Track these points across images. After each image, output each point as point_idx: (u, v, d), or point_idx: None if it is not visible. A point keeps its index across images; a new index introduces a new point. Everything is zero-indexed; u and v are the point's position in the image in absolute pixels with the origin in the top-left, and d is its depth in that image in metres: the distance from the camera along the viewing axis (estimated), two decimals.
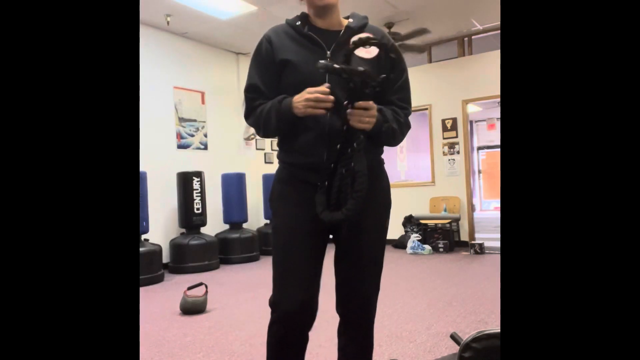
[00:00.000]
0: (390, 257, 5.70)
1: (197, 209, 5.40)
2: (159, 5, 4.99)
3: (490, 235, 7.06)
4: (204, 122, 6.19)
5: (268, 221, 6.45)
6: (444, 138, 6.53)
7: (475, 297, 3.49)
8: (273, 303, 1.39)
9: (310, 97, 1.26)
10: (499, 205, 8.62)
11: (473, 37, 6.48)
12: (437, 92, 6.58)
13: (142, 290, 4.33)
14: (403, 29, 5.89)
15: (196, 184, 5.42)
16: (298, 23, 1.39)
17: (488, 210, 12.52)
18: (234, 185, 5.88)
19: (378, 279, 1.48)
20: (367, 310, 1.47)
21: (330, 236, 1.46)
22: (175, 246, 5.31)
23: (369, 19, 1.47)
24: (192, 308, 3.38)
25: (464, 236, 6.34)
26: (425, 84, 6.66)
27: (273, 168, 7.02)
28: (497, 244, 5.95)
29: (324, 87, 1.26)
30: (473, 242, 5.89)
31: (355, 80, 1.22)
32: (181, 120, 5.90)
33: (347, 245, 1.42)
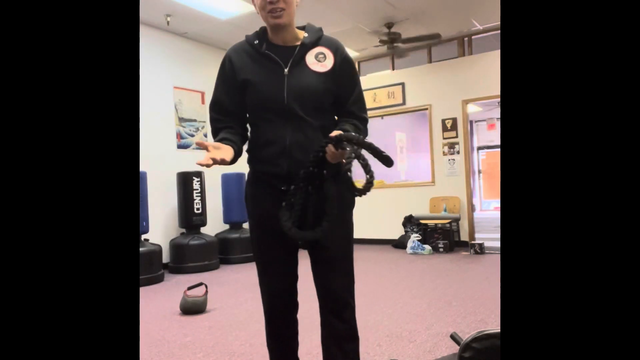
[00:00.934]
0: (390, 257, 5.70)
1: (197, 209, 5.40)
2: (159, 5, 5.00)
3: (490, 235, 7.06)
4: (204, 122, 6.19)
5: None
6: (444, 138, 6.53)
7: (475, 297, 3.49)
8: (260, 291, 1.59)
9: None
10: (499, 205, 8.63)
11: (473, 37, 6.48)
12: (437, 92, 6.58)
13: (142, 290, 4.33)
14: (403, 29, 5.89)
15: (196, 184, 5.42)
16: (256, 42, 1.47)
17: (488, 210, 12.52)
18: (233, 185, 5.87)
19: (350, 272, 1.55)
20: (341, 303, 1.51)
21: None
22: (175, 246, 5.31)
23: (322, 31, 1.53)
24: (192, 308, 3.38)
25: (464, 236, 6.34)
26: (425, 84, 6.66)
27: None
28: (497, 244, 5.95)
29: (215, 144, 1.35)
30: (473, 242, 5.89)
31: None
32: (181, 120, 5.90)
33: (318, 248, 1.51)
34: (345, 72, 1.48)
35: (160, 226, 5.52)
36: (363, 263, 5.24)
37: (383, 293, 3.75)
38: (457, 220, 6.26)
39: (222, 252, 5.66)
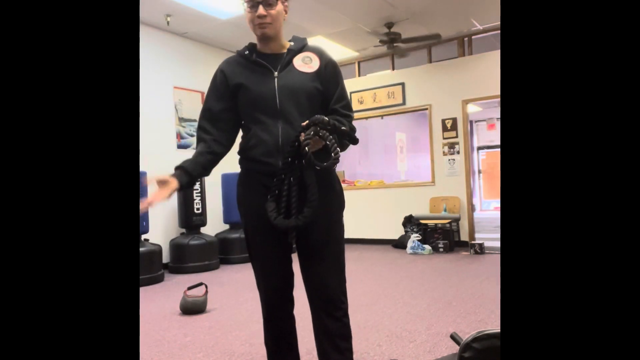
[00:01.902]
0: (390, 257, 5.70)
1: (197, 209, 5.40)
2: (159, 5, 4.99)
3: (490, 235, 7.05)
4: None
5: None
6: (444, 138, 6.53)
7: (475, 297, 3.49)
8: (258, 289, 1.64)
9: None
10: (499, 205, 8.63)
11: (473, 37, 6.47)
12: (437, 92, 6.58)
13: (142, 290, 4.33)
14: (403, 29, 5.89)
15: (196, 184, 5.42)
16: (246, 52, 1.59)
17: (488, 210, 12.52)
18: (234, 185, 5.85)
19: (339, 272, 1.57)
20: (333, 301, 1.53)
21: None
22: (175, 246, 5.31)
23: (307, 40, 1.63)
24: (192, 308, 3.38)
25: (464, 236, 6.34)
26: (425, 84, 6.66)
27: None
28: (497, 244, 5.95)
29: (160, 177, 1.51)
30: (473, 242, 5.88)
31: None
32: (181, 120, 5.90)
33: (304, 245, 1.55)
34: (330, 73, 1.57)
35: (160, 226, 5.52)
36: (363, 263, 5.24)
37: (383, 293, 3.75)
38: (457, 220, 6.26)
39: (222, 252, 5.66)
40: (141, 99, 5.27)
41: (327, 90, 1.57)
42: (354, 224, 6.87)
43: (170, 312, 3.47)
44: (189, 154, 6.72)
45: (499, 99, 5.34)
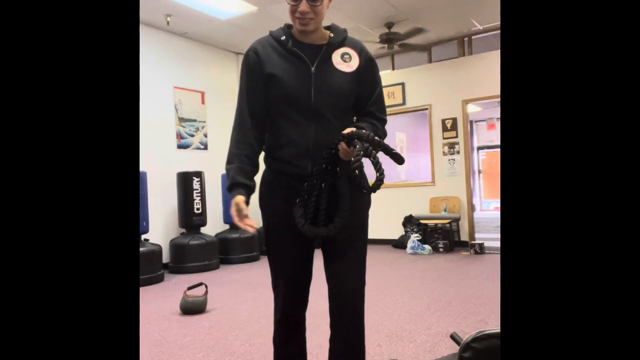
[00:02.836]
0: (390, 257, 5.70)
1: (197, 209, 5.40)
2: (159, 5, 4.99)
3: (490, 235, 7.06)
4: (204, 122, 6.19)
5: None
6: (444, 138, 6.53)
7: (475, 297, 3.49)
8: (274, 292, 1.57)
9: (233, 213, 1.40)
10: (499, 205, 8.63)
11: (473, 37, 6.48)
12: (437, 92, 6.58)
13: (142, 290, 4.33)
14: (403, 29, 5.89)
15: (196, 184, 5.42)
16: (283, 38, 1.45)
17: (488, 210, 12.51)
18: None
19: (362, 273, 1.55)
20: (352, 304, 1.51)
21: None
22: (175, 246, 5.31)
23: (347, 32, 1.53)
24: (192, 308, 3.38)
25: (464, 236, 6.34)
26: (425, 84, 6.66)
27: None
28: (497, 244, 5.95)
29: (241, 206, 1.38)
30: (473, 242, 5.88)
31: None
32: (181, 120, 5.90)
33: (331, 244, 1.51)
34: (369, 73, 1.48)
35: (160, 226, 5.52)
36: None
37: (383, 293, 3.75)
38: (457, 220, 6.26)
39: (222, 252, 5.66)
40: (141, 99, 5.27)
41: (364, 90, 1.48)
42: None
43: (170, 312, 3.47)
44: (188, 154, 6.66)
45: (499, 99, 5.34)
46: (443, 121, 6.53)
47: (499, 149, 9.06)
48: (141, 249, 4.58)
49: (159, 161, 5.53)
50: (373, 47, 6.48)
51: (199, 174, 5.47)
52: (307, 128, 1.41)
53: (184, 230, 5.53)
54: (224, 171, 6.07)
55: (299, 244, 1.49)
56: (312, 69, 1.42)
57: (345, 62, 1.45)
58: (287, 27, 1.49)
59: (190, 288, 3.45)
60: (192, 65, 6.07)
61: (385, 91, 6.96)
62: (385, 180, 7.79)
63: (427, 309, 3.24)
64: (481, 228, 7.93)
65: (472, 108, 9.62)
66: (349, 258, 1.50)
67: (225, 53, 6.57)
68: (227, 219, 5.92)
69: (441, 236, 6.08)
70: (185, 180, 5.40)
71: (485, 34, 6.42)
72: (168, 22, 5.39)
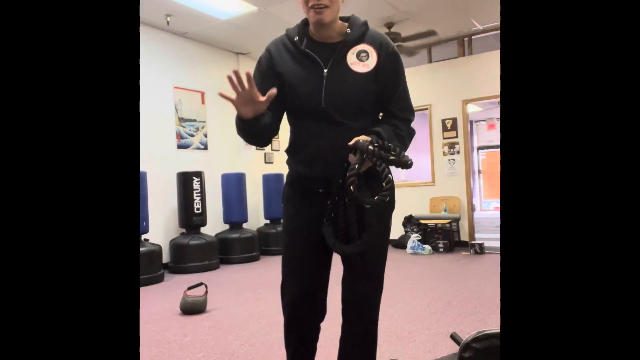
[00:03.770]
0: (390, 257, 5.65)
1: (197, 209, 5.40)
2: (159, 5, 4.99)
3: (490, 235, 7.05)
4: (204, 122, 6.19)
5: (268, 221, 6.45)
6: (444, 138, 6.53)
7: (475, 297, 3.49)
8: (281, 292, 1.53)
9: (233, 98, 1.29)
10: (499, 205, 8.62)
11: (473, 37, 6.48)
12: (437, 92, 6.58)
13: (142, 290, 4.33)
14: (403, 29, 5.89)
15: (196, 184, 5.42)
16: (296, 38, 1.41)
17: (488, 210, 12.52)
18: (233, 186, 5.87)
19: (381, 278, 1.52)
20: (367, 308, 1.49)
21: None
22: (175, 246, 5.31)
23: (367, 25, 1.45)
24: (192, 308, 3.38)
25: (464, 236, 6.34)
26: (425, 84, 6.66)
27: (273, 168, 7.02)
28: (497, 244, 5.95)
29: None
30: (473, 242, 5.89)
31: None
32: (181, 120, 5.90)
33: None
34: (389, 69, 1.40)
35: (160, 226, 5.52)
36: None
37: (383, 293, 3.75)
38: (457, 220, 6.26)
39: (222, 252, 5.66)
40: (141, 99, 5.27)
41: (384, 89, 1.41)
42: None
43: (170, 312, 3.47)
44: (188, 154, 6.66)
45: (499, 99, 5.34)
46: (443, 121, 6.53)
47: (499, 149, 9.05)
48: (141, 249, 4.58)
49: (159, 161, 5.53)
50: None
51: (199, 174, 5.47)
52: (320, 132, 1.39)
53: (184, 230, 5.53)
54: (224, 171, 6.11)
55: (314, 247, 1.45)
56: (325, 71, 1.37)
57: (361, 61, 1.37)
58: (303, 25, 1.44)
59: (190, 288, 3.45)
60: (192, 65, 6.07)
61: None
62: None
63: (427, 309, 3.24)
64: (481, 228, 7.93)
65: (472, 108, 9.62)
66: (371, 272, 1.47)
67: (225, 53, 6.57)
68: (227, 219, 5.92)
69: (441, 236, 6.08)
70: (185, 180, 5.40)
71: (485, 34, 6.42)
72: (168, 22, 5.38)
